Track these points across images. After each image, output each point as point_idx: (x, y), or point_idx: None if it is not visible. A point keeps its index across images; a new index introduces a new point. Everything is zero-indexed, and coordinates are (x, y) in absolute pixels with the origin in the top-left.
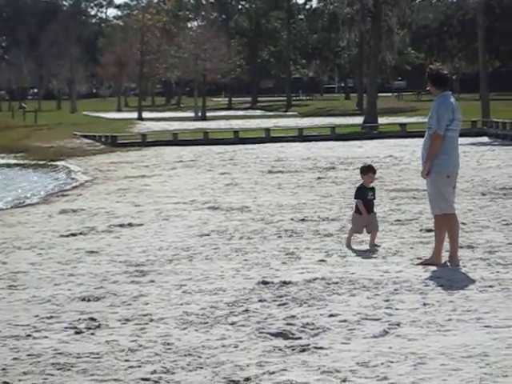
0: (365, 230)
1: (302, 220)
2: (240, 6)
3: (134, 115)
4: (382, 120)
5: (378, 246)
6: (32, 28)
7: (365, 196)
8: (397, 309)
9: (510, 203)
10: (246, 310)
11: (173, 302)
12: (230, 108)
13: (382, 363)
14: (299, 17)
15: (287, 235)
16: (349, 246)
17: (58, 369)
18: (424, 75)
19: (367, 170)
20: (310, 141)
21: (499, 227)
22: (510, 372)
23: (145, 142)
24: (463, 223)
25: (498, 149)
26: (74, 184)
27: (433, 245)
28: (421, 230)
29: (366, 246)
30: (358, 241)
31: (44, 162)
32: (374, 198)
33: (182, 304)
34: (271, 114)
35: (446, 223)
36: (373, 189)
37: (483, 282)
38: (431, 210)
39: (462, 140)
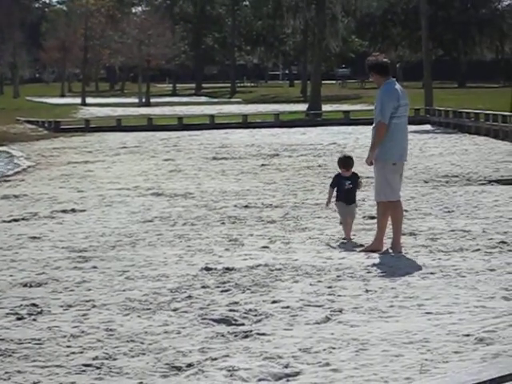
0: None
1: (246, 207)
2: None
3: (78, 101)
4: (325, 107)
5: (347, 240)
6: None
7: (340, 185)
8: (339, 295)
9: (452, 191)
10: (189, 297)
11: (115, 288)
12: (174, 94)
13: (324, 349)
14: (244, 3)
15: (230, 222)
16: (347, 238)
17: (0, 355)
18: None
19: (347, 163)
20: (254, 127)
21: (441, 214)
22: (451, 358)
23: (88, 127)
24: (406, 210)
25: (440, 137)
26: (17, 169)
27: (374, 232)
28: (364, 217)
29: (309, 233)
30: (302, 227)
31: None
32: (355, 187)
33: (124, 290)
34: (215, 100)
35: (389, 210)
36: (352, 177)
37: (425, 268)
38: (375, 197)
39: None
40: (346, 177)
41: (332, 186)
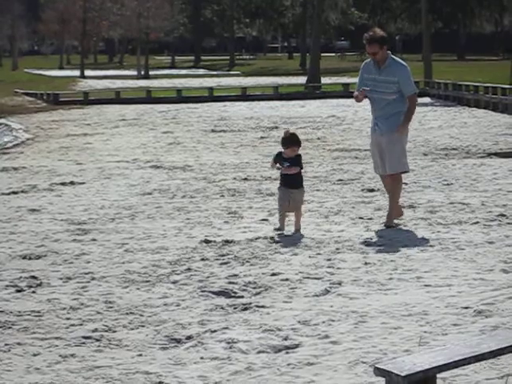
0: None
1: (245, 179)
2: None
3: (77, 73)
4: (324, 80)
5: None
6: None
7: (280, 165)
8: (338, 268)
9: (451, 164)
10: (188, 269)
11: (115, 260)
12: (172, 67)
13: (324, 322)
14: None
15: (230, 194)
16: (281, 227)
17: None
18: None
19: (291, 143)
20: (253, 100)
21: (440, 187)
22: (449, 330)
23: (87, 100)
24: (405, 183)
25: (439, 109)
26: (15, 142)
27: (374, 204)
28: (362, 190)
29: (308, 205)
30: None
31: None
32: (295, 170)
33: (123, 263)
34: (214, 72)
35: (395, 181)
36: (292, 159)
37: (424, 241)
38: (392, 168)
39: None
40: (287, 158)
41: (274, 161)
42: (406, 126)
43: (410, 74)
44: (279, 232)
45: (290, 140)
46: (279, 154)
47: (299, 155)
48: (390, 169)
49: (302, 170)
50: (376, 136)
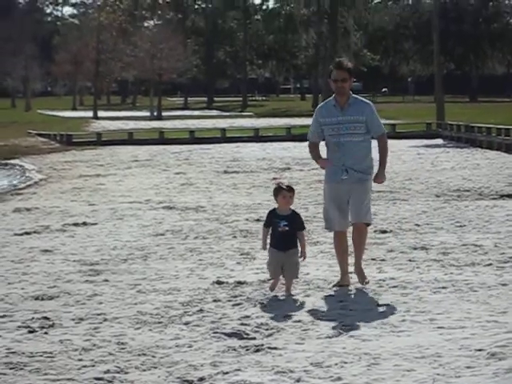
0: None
1: (257, 220)
2: (196, 6)
3: (90, 114)
4: None
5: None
6: None
7: (274, 225)
8: (351, 309)
9: (464, 205)
10: (201, 310)
11: (127, 301)
12: (185, 108)
13: (336, 363)
14: (256, 17)
15: (242, 235)
16: (272, 290)
17: (11, 368)
18: (380, 77)
19: (277, 192)
20: (266, 141)
21: (453, 229)
22: (463, 373)
23: (100, 140)
24: (417, 225)
25: (452, 151)
26: (29, 182)
27: (387, 246)
28: (375, 231)
29: (320, 247)
30: (313, 241)
31: None
32: (293, 229)
33: (136, 304)
34: (227, 114)
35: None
36: (289, 217)
37: (437, 283)
38: (367, 217)
39: (416, 142)
40: (282, 215)
41: (266, 225)
42: (384, 173)
43: (376, 112)
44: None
45: (279, 188)
46: (272, 213)
47: (297, 215)
48: (358, 217)
49: (305, 232)
50: (343, 186)
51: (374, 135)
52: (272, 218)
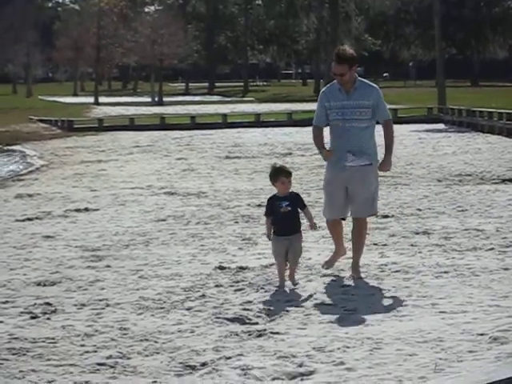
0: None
1: (259, 206)
2: None
3: (91, 100)
4: None
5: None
6: None
7: (275, 209)
8: (353, 294)
9: (466, 190)
10: (203, 296)
11: (129, 287)
12: (186, 93)
13: (338, 348)
14: (256, 2)
15: (244, 221)
16: (281, 284)
17: (14, 353)
18: (381, 62)
19: (276, 175)
20: (267, 126)
21: (455, 213)
22: (465, 357)
23: (101, 126)
24: (419, 209)
25: (453, 135)
26: (30, 168)
27: (389, 230)
28: (377, 216)
29: (322, 232)
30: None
31: None
32: (296, 210)
33: (138, 289)
34: (228, 99)
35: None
36: (290, 197)
37: (439, 267)
38: (369, 209)
39: (418, 127)
40: (282, 197)
41: (267, 214)
42: (390, 161)
43: (383, 97)
44: (280, 289)
45: (276, 172)
46: (272, 198)
47: (297, 194)
48: (360, 212)
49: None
50: (345, 174)
51: (380, 120)
52: (273, 203)
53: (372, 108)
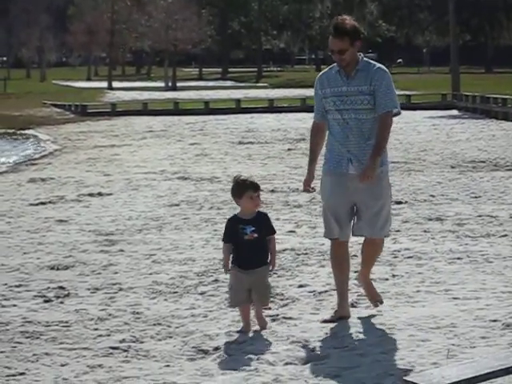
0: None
1: (272, 191)
2: None
3: (104, 84)
4: None
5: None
6: None
7: (236, 236)
8: None
9: (479, 176)
10: (216, 280)
11: (142, 271)
12: (200, 78)
13: (351, 333)
14: None
15: None
16: (246, 327)
17: (27, 337)
18: (395, 48)
19: (241, 189)
20: (281, 112)
21: (468, 200)
22: (478, 343)
23: (115, 111)
24: (432, 196)
25: (467, 122)
26: (43, 153)
27: (401, 217)
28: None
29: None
30: None
31: (13, 130)
32: (261, 235)
33: (151, 273)
34: (242, 84)
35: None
36: (256, 220)
37: (452, 254)
38: (381, 232)
39: (431, 113)
40: (247, 220)
41: (225, 239)
42: (373, 167)
43: (391, 83)
44: (243, 333)
45: (241, 186)
46: (233, 221)
47: (266, 215)
48: (370, 231)
49: (276, 236)
50: (348, 180)
51: (378, 111)
52: (234, 228)
53: (373, 94)
